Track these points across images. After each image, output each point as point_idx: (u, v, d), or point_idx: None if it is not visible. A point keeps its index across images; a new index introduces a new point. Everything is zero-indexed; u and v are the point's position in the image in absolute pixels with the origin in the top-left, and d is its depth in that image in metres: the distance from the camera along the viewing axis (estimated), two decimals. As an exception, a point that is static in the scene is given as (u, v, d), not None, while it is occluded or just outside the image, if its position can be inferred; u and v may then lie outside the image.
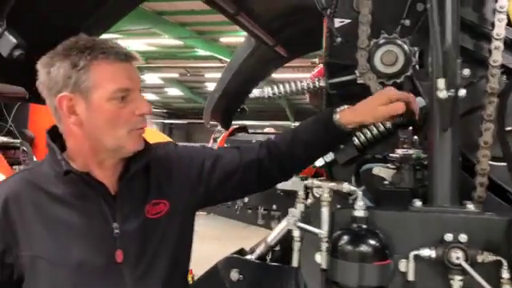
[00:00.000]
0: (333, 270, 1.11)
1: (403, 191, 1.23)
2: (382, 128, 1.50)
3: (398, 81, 1.41)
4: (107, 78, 1.23)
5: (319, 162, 1.56)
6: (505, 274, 1.03)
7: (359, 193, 1.13)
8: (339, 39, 1.62)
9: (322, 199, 1.19)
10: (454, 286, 1.06)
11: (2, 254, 1.24)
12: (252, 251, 2.36)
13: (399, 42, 1.39)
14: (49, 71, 1.24)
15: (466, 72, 1.49)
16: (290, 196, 2.37)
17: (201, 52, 16.85)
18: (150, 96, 26.08)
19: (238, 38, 15.67)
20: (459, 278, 1.05)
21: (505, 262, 1.03)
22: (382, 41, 1.40)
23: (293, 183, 2.21)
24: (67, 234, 1.24)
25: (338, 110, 1.37)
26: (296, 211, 1.23)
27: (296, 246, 1.23)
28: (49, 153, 1.32)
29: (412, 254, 1.09)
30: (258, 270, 1.98)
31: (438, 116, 1.17)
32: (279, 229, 2.05)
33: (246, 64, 3.20)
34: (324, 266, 1.16)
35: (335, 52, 1.62)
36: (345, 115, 1.36)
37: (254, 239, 2.26)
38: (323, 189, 1.21)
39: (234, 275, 1.98)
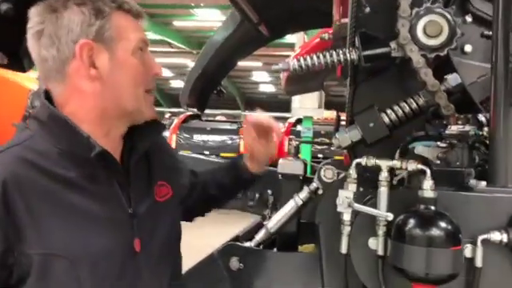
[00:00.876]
0: (397, 256, 0.99)
1: (458, 171, 1.13)
2: (414, 105, 1.40)
3: (442, 54, 1.31)
4: (129, 28, 1.13)
5: (345, 142, 1.44)
6: None
7: (429, 171, 1.02)
8: (368, 9, 1.50)
9: (381, 179, 1.07)
10: (527, 272, 0.98)
11: (2, 255, 0.99)
12: (248, 238, 2.23)
13: (444, 11, 1.29)
14: (57, 16, 1.07)
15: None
16: (288, 180, 2.25)
17: (150, 36, 16.32)
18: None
19: (191, 22, 15.35)
20: (533, 263, 0.98)
21: None
22: (424, 10, 1.30)
23: (294, 166, 2.08)
24: (84, 224, 1.06)
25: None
26: (348, 192, 1.10)
27: (345, 230, 1.10)
28: (46, 125, 1.10)
29: (480, 238, 1.00)
30: (260, 258, 1.85)
31: (503, 89, 1.08)
32: (281, 215, 1.93)
33: (229, 42, 3.03)
34: (380, 252, 1.05)
35: (363, 23, 1.51)
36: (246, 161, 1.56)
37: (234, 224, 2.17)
38: (382, 167, 1.09)
39: (234, 264, 1.83)
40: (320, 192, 1.96)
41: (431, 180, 1.00)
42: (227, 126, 12.31)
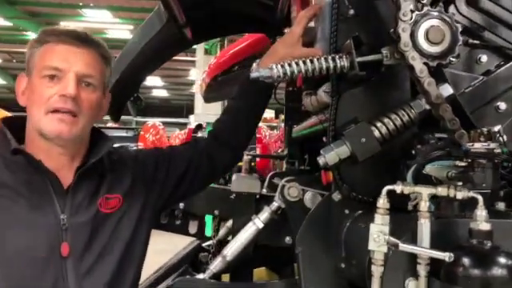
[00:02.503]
0: (451, 302, 0.84)
1: (485, 194, 1.01)
2: (406, 118, 1.28)
3: (444, 62, 1.20)
4: (44, 56, 1.25)
5: (333, 160, 1.27)
6: None
7: (481, 199, 0.87)
8: (351, 11, 1.35)
9: (422, 209, 0.91)
10: None
11: None
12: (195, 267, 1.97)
13: (445, 16, 1.18)
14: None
15: (484, 59, 1.38)
16: (242, 199, 2.03)
17: (33, 36, 14.97)
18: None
19: (79, 23, 14.30)
20: None
21: None
22: (426, 14, 1.17)
23: (250, 183, 1.89)
24: (11, 224, 1.18)
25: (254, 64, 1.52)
26: (383, 227, 0.92)
27: (378, 271, 0.92)
28: None
29: (530, 272, 0.88)
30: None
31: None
32: (239, 241, 1.71)
33: (151, 45, 2.72)
34: (422, 296, 0.89)
35: (345, 27, 1.35)
36: (263, 62, 1.49)
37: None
38: (422, 195, 0.92)
39: (189, 302, 1.58)
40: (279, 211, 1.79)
41: (485, 209, 0.86)
42: (123, 134, 11.64)
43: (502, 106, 1.32)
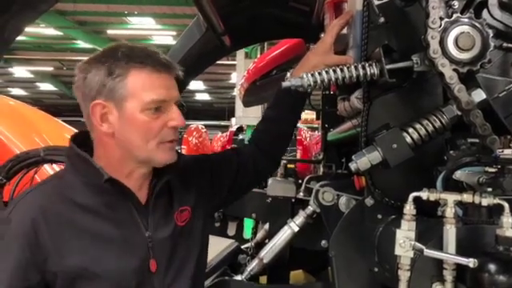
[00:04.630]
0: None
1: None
2: (438, 123, 1.28)
3: (475, 68, 1.20)
4: (143, 87, 1.20)
5: (365, 165, 1.29)
6: None
7: (506, 205, 0.88)
8: (382, 19, 1.37)
9: (448, 215, 0.93)
10: None
11: (32, 274, 1.16)
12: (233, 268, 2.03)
13: (475, 22, 1.18)
14: (85, 77, 1.22)
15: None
16: (278, 203, 2.08)
17: (82, 44, 15.58)
18: (17, 91, 23.55)
19: (125, 30, 14.79)
20: None
21: None
22: (455, 21, 1.18)
23: (285, 187, 1.93)
24: (101, 245, 1.20)
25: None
26: (409, 233, 0.94)
27: (405, 276, 0.95)
28: (72, 161, 1.28)
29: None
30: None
31: None
32: (275, 243, 1.76)
33: (192, 52, 2.82)
34: (449, 301, 0.91)
35: (376, 35, 1.38)
36: (296, 71, 1.53)
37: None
38: (448, 202, 0.94)
39: (228, 302, 1.64)
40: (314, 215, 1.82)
41: (511, 216, 0.87)
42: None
43: (537, 110, 1.30)
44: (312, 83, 1.26)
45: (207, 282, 1.68)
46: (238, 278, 1.72)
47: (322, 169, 2.52)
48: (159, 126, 1.22)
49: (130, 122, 1.20)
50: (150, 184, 1.31)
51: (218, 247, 2.27)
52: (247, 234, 2.46)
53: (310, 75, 1.26)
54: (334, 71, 1.27)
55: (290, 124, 1.66)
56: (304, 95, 1.63)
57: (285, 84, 1.27)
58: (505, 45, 1.35)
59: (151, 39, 15.45)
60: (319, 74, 1.27)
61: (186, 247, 1.33)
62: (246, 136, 10.20)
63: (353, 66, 1.27)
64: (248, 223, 2.58)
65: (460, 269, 0.89)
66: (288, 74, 1.63)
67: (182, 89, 3.31)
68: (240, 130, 11.04)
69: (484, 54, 1.19)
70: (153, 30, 15.27)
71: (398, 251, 0.93)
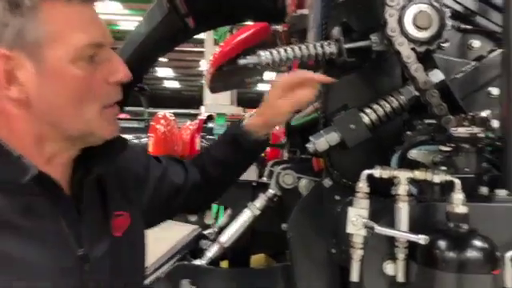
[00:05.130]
0: (427, 284, 0.84)
1: (468, 179, 1.01)
2: (395, 104, 1.28)
3: (432, 48, 1.19)
4: (70, 26, 0.85)
5: (323, 146, 1.28)
6: None
7: (457, 182, 0.88)
8: (341, -3, 1.35)
9: (401, 192, 0.92)
10: (558, 289, 0.88)
11: None
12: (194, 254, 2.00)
13: (433, 1, 1.17)
14: None
15: (476, 44, 1.37)
16: (239, 187, 2.06)
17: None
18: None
19: (90, 14, 14.34)
20: None
21: None
22: (413, -1, 1.17)
23: (246, 172, 1.89)
24: (12, 272, 0.80)
25: (247, 116, 1.34)
26: (361, 210, 0.93)
27: (357, 254, 0.93)
28: None
29: (508, 255, 0.88)
30: (215, 278, 1.65)
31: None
32: (235, 227, 1.73)
33: (153, 35, 2.74)
34: (401, 278, 0.90)
35: (336, 14, 1.35)
36: (252, 122, 1.32)
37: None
38: (401, 179, 0.93)
39: (186, 286, 1.61)
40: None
41: (461, 193, 0.87)
42: (135, 125, 11.71)
43: (494, 91, 1.31)
44: (270, 61, 1.23)
45: (165, 268, 1.64)
46: (197, 262, 1.69)
47: (286, 154, 2.51)
48: (99, 82, 0.88)
49: (55, 79, 0.83)
50: (73, 176, 0.95)
51: (179, 233, 2.23)
52: (211, 219, 2.44)
53: (267, 53, 1.23)
54: (292, 49, 1.24)
55: (236, 175, 1.48)
56: (259, 146, 1.39)
57: (241, 61, 1.24)
58: (462, 26, 1.36)
59: (118, 25, 15.08)
60: (277, 52, 1.24)
61: (128, 264, 1.03)
62: (215, 124, 10.12)
63: (311, 45, 1.24)
64: (214, 208, 2.55)
65: (412, 246, 0.88)
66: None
67: (143, 73, 3.24)
68: (210, 118, 10.96)
69: (441, 34, 1.19)
70: (120, 15, 14.91)
71: (350, 229, 0.92)
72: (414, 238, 0.84)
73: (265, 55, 1.23)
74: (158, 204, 1.23)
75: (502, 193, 0.94)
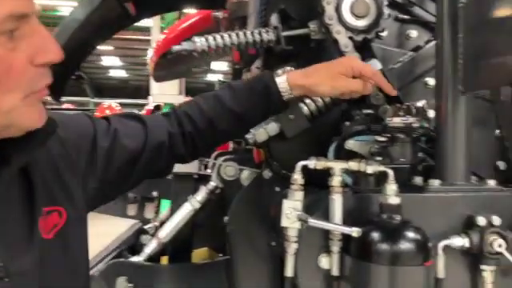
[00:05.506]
0: (360, 277, 0.83)
1: (402, 168, 1.01)
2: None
3: (369, 37, 1.18)
4: None
5: (262, 136, 1.25)
6: (536, 257, 0.91)
7: (391, 173, 0.86)
8: (280, -16, 1.31)
9: (335, 184, 0.89)
10: (488, 278, 0.90)
11: None
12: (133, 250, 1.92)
13: (370, -11, 1.16)
14: None
15: (413, 34, 1.37)
16: (180, 180, 1.99)
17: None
18: None
19: (29, -1, 13.59)
20: (493, 268, 0.89)
21: (535, 243, 0.91)
22: (350, -13, 1.15)
23: (186, 164, 1.84)
24: None
25: (280, 71, 1.13)
26: (295, 203, 0.90)
27: (292, 248, 0.90)
28: None
29: (441, 244, 0.88)
30: (153, 275, 1.59)
31: (451, 75, 0.98)
32: (175, 221, 1.68)
33: (90, 20, 2.60)
34: (335, 272, 0.88)
35: (275, 1, 1.31)
36: (294, 76, 1.10)
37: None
38: (335, 170, 0.91)
39: (122, 285, 1.54)
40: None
41: (395, 183, 0.86)
42: (79, 115, 11.27)
43: (431, 81, 1.32)
44: (206, 48, 1.18)
45: (101, 265, 1.56)
46: (135, 259, 1.62)
47: (231, 145, 2.46)
48: (22, 63, 0.71)
49: None
50: None
51: (118, 229, 2.14)
52: (152, 214, 2.36)
53: (203, 39, 1.18)
54: (229, 36, 1.19)
55: (247, 130, 1.23)
56: (285, 104, 1.14)
57: (176, 48, 1.18)
58: (400, 16, 1.36)
59: (59, 10, 14.41)
60: (213, 38, 1.19)
61: (64, 272, 0.87)
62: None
63: (249, 32, 1.20)
64: (164, 203, 2.46)
65: (346, 239, 0.87)
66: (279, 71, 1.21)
67: (80, 60, 3.08)
68: (157, 108, 10.74)
69: (378, 22, 1.18)
70: (61, 0, 14.24)
71: (284, 222, 0.89)
72: (347, 230, 0.82)
73: (200, 42, 1.17)
74: (113, 176, 1.02)
75: (435, 183, 0.94)
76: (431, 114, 1.09)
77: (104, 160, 1.00)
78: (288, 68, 1.18)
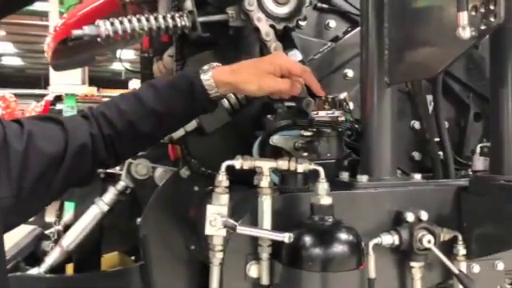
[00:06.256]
0: (293, 284, 0.76)
1: (329, 164, 0.96)
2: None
3: (291, 25, 1.12)
4: None
5: (178, 132, 1.14)
6: (461, 250, 0.91)
7: (321, 171, 0.80)
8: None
9: (263, 185, 0.81)
10: (416, 275, 0.88)
11: None
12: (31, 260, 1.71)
13: (290, -25, 1.09)
14: None
15: (332, 24, 1.34)
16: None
17: None
18: None
19: None
20: (422, 264, 0.88)
21: (460, 237, 0.91)
22: (271, -30, 1.07)
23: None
24: None
25: (206, 67, 1.02)
26: (221, 208, 0.80)
27: (217, 258, 0.81)
28: None
29: (371, 243, 0.85)
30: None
31: (376, 68, 0.94)
32: (81, 227, 1.52)
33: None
34: (265, 281, 0.80)
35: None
36: (220, 73, 1.01)
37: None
38: (263, 169, 0.82)
39: (20, 304, 1.37)
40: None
41: (326, 182, 0.80)
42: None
43: (350, 73, 1.29)
44: (111, 33, 1.04)
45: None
46: (35, 271, 1.43)
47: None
48: None
49: None
50: None
51: (14, 236, 1.91)
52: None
53: (108, 23, 1.04)
54: (139, 20, 1.06)
55: (172, 131, 1.13)
56: (211, 103, 1.03)
57: (76, 32, 1.03)
58: (319, 5, 1.32)
59: None
60: (120, 22, 1.05)
61: None
62: (64, 106, 9.28)
63: (161, 17, 1.08)
64: (68, 206, 2.24)
65: (276, 244, 0.80)
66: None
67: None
68: (58, 99, 10.05)
69: (300, 10, 1.12)
70: None
71: (208, 230, 0.80)
72: (278, 236, 0.75)
73: (105, 26, 1.03)
74: (31, 185, 0.92)
75: (363, 178, 0.91)
76: (351, 105, 1.06)
77: (19, 165, 0.89)
78: (214, 64, 1.06)
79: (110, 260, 1.77)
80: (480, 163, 1.39)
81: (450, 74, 1.33)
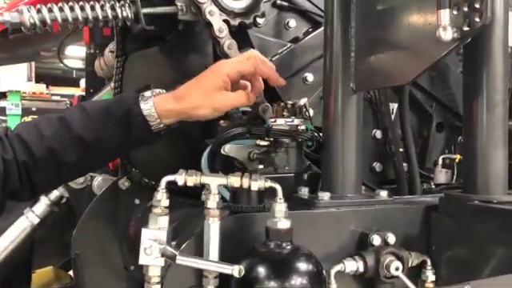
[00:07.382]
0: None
1: (287, 178, 0.86)
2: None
3: (247, 22, 1.01)
4: None
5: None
6: (430, 277, 0.82)
7: (279, 189, 0.69)
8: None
9: (211, 206, 0.69)
10: (381, 303, 0.78)
11: None
12: None
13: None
14: None
15: (292, 24, 1.24)
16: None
17: None
18: None
19: None
20: (388, 292, 0.79)
21: (429, 262, 0.82)
22: (227, -40, 0.96)
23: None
24: None
25: (147, 94, 0.88)
26: (159, 233, 0.67)
27: (154, 292, 0.68)
28: None
29: (334, 270, 0.75)
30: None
31: (341, 72, 0.84)
32: (7, 241, 1.36)
33: None
34: (212, 316, 0.68)
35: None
36: (162, 101, 0.87)
37: None
38: (211, 187, 0.70)
39: None
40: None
41: (284, 203, 0.69)
42: None
43: (310, 77, 1.20)
44: (38, 21, 0.89)
45: None
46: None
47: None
48: None
49: None
50: None
51: None
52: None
53: (33, 10, 0.88)
54: (72, 9, 0.92)
55: (102, 162, 1.01)
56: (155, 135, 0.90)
57: (-4, 18, 0.87)
58: (279, 2, 1.21)
59: None
60: (49, 10, 0.90)
61: None
62: (8, 103, 8.81)
63: (99, 6, 0.94)
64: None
65: (225, 275, 0.68)
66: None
67: None
68: (2, 95, 9.54)
69: (258, 5, 1.01)
70: None
71: (142, 260, 0.67)
72: (226, 269, 0.63)
73: (30, 13, 0.88)
74: None
75: (325, 196, 0.81)
76: (311, 112, 0.96)
77: None
78: (157, 90, 0.91)
79: (43, 276, 1.60)
80: (442, 176, 1.33)
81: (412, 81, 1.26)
